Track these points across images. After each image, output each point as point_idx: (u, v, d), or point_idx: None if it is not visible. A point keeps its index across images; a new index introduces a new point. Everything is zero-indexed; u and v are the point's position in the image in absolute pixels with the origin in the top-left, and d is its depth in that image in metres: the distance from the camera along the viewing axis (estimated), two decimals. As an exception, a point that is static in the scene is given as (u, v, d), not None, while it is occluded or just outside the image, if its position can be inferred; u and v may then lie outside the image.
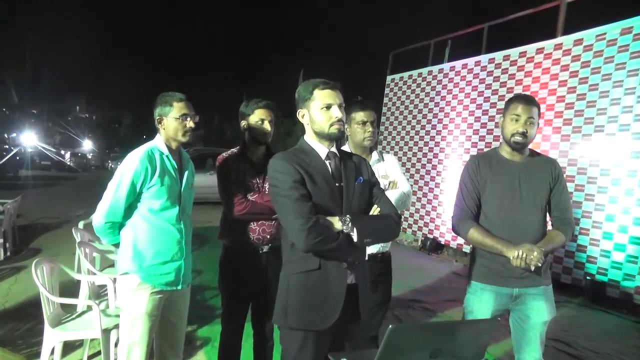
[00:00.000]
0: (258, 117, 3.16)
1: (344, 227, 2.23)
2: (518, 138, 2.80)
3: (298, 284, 2.31)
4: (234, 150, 3.28)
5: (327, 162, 2.39)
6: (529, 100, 2.84)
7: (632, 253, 6.17)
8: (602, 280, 6.49)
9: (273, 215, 3.01)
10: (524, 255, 2.60)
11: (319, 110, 2.34)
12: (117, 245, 2.90)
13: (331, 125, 2.34)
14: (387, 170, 3.40)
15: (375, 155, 3.42)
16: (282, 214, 2.30)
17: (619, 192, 6.42)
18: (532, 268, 2.62)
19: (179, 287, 2.90)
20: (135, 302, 2.78)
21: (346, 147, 3.34)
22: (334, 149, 2.43)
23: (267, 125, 3.17)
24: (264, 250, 3.15)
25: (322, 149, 2.40)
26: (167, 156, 2.84)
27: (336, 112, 2.34)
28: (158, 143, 2.85)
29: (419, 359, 1.67)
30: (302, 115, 2.40)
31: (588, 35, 7.10)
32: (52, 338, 3.47)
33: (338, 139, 2.43)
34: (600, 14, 7.53)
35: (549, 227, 2.94)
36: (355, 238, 2.22)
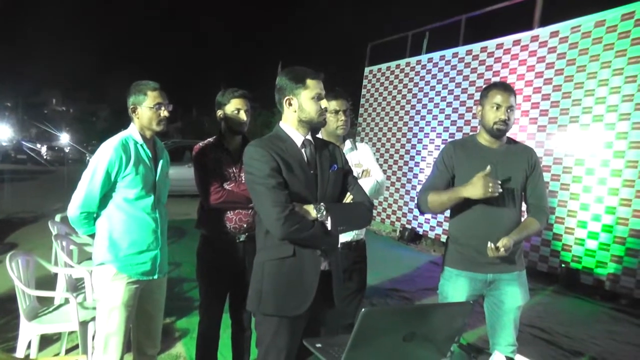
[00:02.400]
0: (234, 106, 3.15)
1: (319, 215, 2.25)
2: (501, 126, 2.82)
3: (272, 271, 2.32)
4: (211, 139, 3.28)
5: (302, 150, 2.40)
6: (507, 88, 2.88)
7: (605, 241, 6.29)
8: (576, 267, 6.61)
9: (249, 204, 3.01)
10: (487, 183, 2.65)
11: (310, 100, 2.34)
12: (92, 235, 2.88)
13: (320, 114, 2.37)
14: (360, 158, 3.42)
15: (348, 144, 3.44)
16: (258, 202, 2.31)
17: (592, 182, 6.54)
18: (503, 251, 2.65)
19: (155, 277, 2.89)
20: (112, 293, 2.77)
21: (319, 136, 3.35)
22: (309, 137, 2.44)
23: (243, 115, 3.16)
24: (241, 239, 3.15)
25: (298, 137, 2.40)
26: (141, 145, 2.82)
27: (325, 103, 2.38)
28: (132, 132, 2.83)
29: (392, 343, 1.69)
30: (289, 102, 2.38)
31: (563, 27, 7.19)
32: (29, 331, 3.43)
33: (322, 127, 2.47)
34: (576, 6, 7.63)
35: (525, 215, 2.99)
36: (329, 226, 2.25)
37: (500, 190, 2.66)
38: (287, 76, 2.38)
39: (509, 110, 2.82)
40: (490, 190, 2.63)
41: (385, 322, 1.70)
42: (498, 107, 2.82)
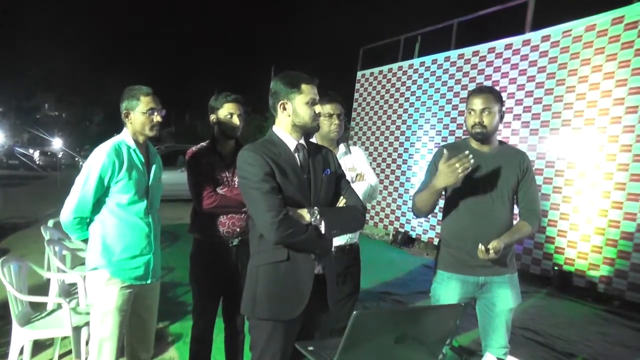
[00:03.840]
0: (227, 111, 3.16)
1: (313, 220, 2.26)
2: (477, 129, 2.84)
3: (267, 275, 2.33)
4: (204, 144, 3.28)
5: (295, 154, 2.41)
6: (482, 90, 2.90)
7: (597, 243, 6.33)
8: (569, 270, 6.64)
9: (242, 209, 3.03)
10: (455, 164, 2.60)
11: (305, 105, 2.35)
12: (86, 240, 2.88)
13: (314, 120, 2.39)
14: (354, 162, 3.43)
15: (342, 147, 3.45)
16: (252, 206, 2.31)
17: (585, 185, 6.58)
18: (493, 253, 2.65)
19: (149, 282, 2.89)
20: (105, 297, 2.76)
21: (313, 140, 3.36)
22: (302, 141, 2.46)
23: (236, 119, 3.17)
24: (234, 244, 3.15)
25: (291, 141, 2.41)
26: (134, 150, 2.82)
27: (319, 108, 2.40)
28: (125, 137, 2.83)
29: (384, 345, 1.70)
30: (284, 107, 2.39)
31: (555, 31, 7.24)
32: (21, 337, 3.42)
33: (315, 132, 2.48)
34: (567, 10, 7.69)
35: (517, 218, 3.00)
36: (323, 230, 2.26)
37: (472, 160, 2.59)
38: (282, 81, 2.39)
39: (485, 113, 2.82)
40: (459, 171, 2.58)
41: (376, 324, 1.70)
42: (473, 111, 2.85)
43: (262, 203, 2.23)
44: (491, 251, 2.64)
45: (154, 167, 2.94)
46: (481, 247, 2.65)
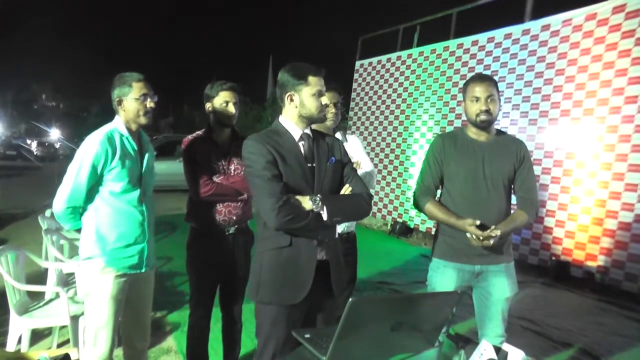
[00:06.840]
0: (223, 99, 3.14)
1: (314, 206, 2.29)
2: (483, 117, 2.81)
3: (270, 260, 2.38)
4: (200, 132, 3.27)
5: (300, 144, 2.45)
6: (484, 79, 2.87)
7: (594, 234, 6.33)
8: (566, 260, 6.65)
9: (239, 197, 3.02)
10: (474, 236, 2.69)
11: (312, 96, 2.39)
12: (79, 230, 2.85)
13: (320, 111, 2.43)
14: (351, 151, 3.43)
15: (338, 136, 3.44)
16: (255, 194, 2.38)
17: (583, 175, 6.58)
18: (490, 242, 2.66)
19: (143, 270, 2.87)
20: (100, 287, 2.75)
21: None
22: (307, 131, 2.49)
23: (231, 108, 3.15)
24: (231, 232, 3.15)
25: (296, 131, 2.45)
26: (127, 138, 2.79)
27: (325, 99, 2.44)
28: (118, 125, 2.79)
29: (380, 332, 1.70)
30: (291, 98, 2.42)
31: (554, 20, 7.21)
32: (19, 326, 3.42)
33: (321, 122, 2.54)
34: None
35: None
36: (325, 217, 2.29)
37: (491, 243, 2.68)
38: (289, 72, 2.42)
39: (488, 100, 2.81)
40: (473, 243, 2.72)
41: (372, 311, 1.71)
42: (477, 99, 2.82)
43: (263, 190, 2.29)
44: (485, 235, 2.65)
45: (146, 155, 2.91)
46: (472, 235, 2.69)
